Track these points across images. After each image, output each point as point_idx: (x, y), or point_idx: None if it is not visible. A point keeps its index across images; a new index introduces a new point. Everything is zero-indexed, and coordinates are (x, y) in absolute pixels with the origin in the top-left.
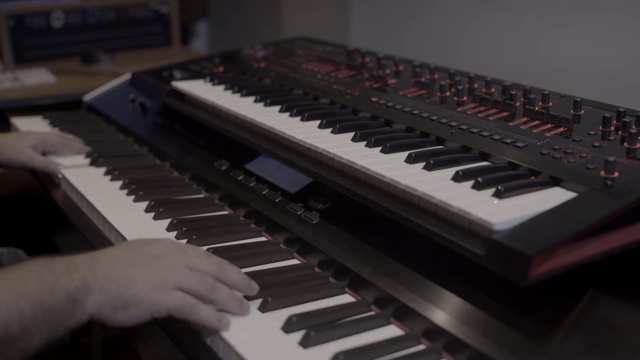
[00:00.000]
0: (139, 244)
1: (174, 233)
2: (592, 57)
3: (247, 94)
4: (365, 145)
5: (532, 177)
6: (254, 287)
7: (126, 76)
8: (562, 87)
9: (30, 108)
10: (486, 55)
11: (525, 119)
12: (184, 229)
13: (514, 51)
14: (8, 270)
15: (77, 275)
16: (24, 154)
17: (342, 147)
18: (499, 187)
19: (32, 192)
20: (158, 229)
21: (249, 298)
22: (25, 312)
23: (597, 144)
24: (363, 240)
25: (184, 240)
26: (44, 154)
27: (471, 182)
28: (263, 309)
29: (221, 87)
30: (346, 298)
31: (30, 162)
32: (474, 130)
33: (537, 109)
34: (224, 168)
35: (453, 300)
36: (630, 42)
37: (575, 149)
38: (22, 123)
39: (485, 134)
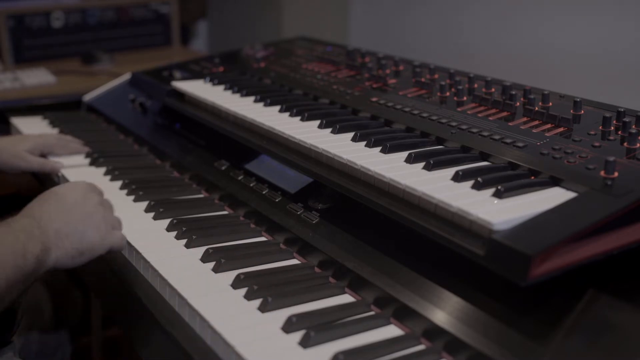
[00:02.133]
0: (57, 196)
1: (174, 233)
2: (595, 40)
3: (247, 94)
4: (365, 145)
5: (532, 177)
6: None
7: (126, 76)
8: (564, 74)
9: (30, 108)
10: (487, 49)
11: (525, 119)
12: (184, 229)
13: (517, 39)
14: None
15: (37, 240)
16: (21, 159)
17: (342, 147)
18: (499, 187)
19: (32, 192)
20: (158, 228)
21: (248, 298)
22: (10, 276)
23: (597, 144)
24: (363, 240)
25: (184, 241)
26: (42, 156)
27: (471, 182)
28: (263, 309)
29: (221, 87)
30: (346, 298)
31: (28, 166)
32: (474, 130)
33: (537, 109)
34: (224, 168)
35: (453, 300)
36: (632, 24)
37: (575, 149)
38: (22, 123)
39: (485, 134)
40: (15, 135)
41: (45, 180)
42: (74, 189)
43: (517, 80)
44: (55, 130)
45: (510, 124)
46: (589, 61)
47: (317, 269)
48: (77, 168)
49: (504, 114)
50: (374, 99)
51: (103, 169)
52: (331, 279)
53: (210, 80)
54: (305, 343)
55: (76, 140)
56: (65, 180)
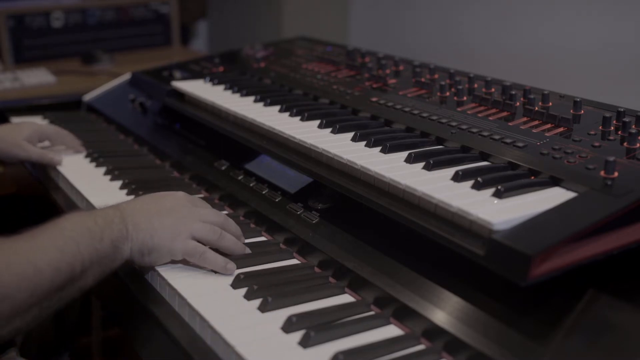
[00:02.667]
0: (157, 197)
1: None
2: (596, 39)
3: (247, 94)
4: (365, 145)
5: (532, 177)
6: (243, 239)
7: (126, 76)
8: (565, 73)
9: (30, 108)
10: (488, 48)
11: (525, 119)
12: None
13: (517, 37)
14: (58, 223)
15: (115, 227)
16: (20, 148)
17: (342, 147)
18: (499, 187)
19: (32, 192)
20: None
21: (248, 298)
22: (85, 257)
23: (597, 144)
24: (363, 240)
25: None
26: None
27: (471, 182)
28: (263, 309)
29: (221, 87)
30: (346, 298)
31: (27, 155)
32: (474, 130)
33: (537, 109)
34: (224, 168)
35: (453, 300)
36: (633, 23)
37: (575, 149)
38: None
39: (485, 134)
40: (12, 124)
41: (45, 180)
42: (169, 194)
43: (518, 78)
44: None
45: (510, 124)
46: (589, 59)
47: (317, 269)
48: (77, 168)
49: (504, 114)
50: (374, 99)
51: (103, 169)
52: (331, 279)
53: (210, 80)
54: (305, 343)
55: (72, 136)
56: (65, 179)
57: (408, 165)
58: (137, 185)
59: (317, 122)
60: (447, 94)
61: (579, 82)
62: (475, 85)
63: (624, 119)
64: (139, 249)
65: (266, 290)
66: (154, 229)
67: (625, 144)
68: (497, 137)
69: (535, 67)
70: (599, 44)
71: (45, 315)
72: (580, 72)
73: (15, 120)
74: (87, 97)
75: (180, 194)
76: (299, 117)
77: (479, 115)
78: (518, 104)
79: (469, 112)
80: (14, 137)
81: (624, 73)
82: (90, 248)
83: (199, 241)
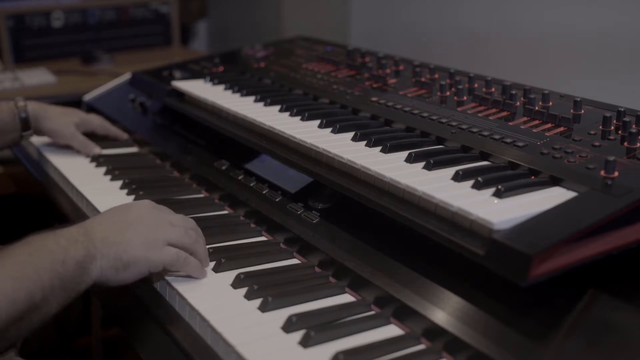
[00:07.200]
0: (122, 209)
1: None
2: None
3: (247, 94)
4: (365, 145)
5: (532, 177)
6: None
7: (126, 76)
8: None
9: None
10: (490, 43)
11: (525, 118)
12: None
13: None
14: (15, 248)
15: (80, 246)
16: (67, 130)
17: (342, 146)
18: (499, 187)
19: (32, 192)
20: None
21: (248, 298)
22: (46, 283)
23: (597, 143)
24: (363, 240)
25: None
26: (83, 134)
27: (471, 182)
28: (263, 309)
29: (221, 87)
30: (346, 298)
31: (70, 139)
32: (474, 130)
33: (537, 108)
34: (224, 168)
35: (453, 300)
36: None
37: (575, 149)
38: None
39: (485, 133)
40: (63, 107)
41: (45, 180)
42: (134, 204)
43: (522, 64)
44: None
45: (510, 123)
46: (592, 43)
47: (317, 269)
48: (77, 168)
49: (504, 113)
50: (374, 99)
51: (103, 169)
52: (331, 279)
53: (210, 80)
54: (305, 343)
55: (117, 127)
56: (65, 179)
57: (408, 165)
58: (137, 185)
59: (317, 122)
60: (447, 93)
61: (581, 67)
62: (476, 85)
63: (624, 119)
64: (111, 266)
65: (266, 290)
66: (126, 241)
67: (625, 143)
68: (497, 136)
69: (537, 51)
70: (601, 29)
71: (6, 345)
72: (583, 55)
73: None
74: (87, 97)
75: (146, 202)
76: (299, 117)
77: (479, 115)
78: (518, 103)
79: (469, 111)
80: (65, 120)
81: (627, 57)
82: (51, 273)
83: (174, 246)
